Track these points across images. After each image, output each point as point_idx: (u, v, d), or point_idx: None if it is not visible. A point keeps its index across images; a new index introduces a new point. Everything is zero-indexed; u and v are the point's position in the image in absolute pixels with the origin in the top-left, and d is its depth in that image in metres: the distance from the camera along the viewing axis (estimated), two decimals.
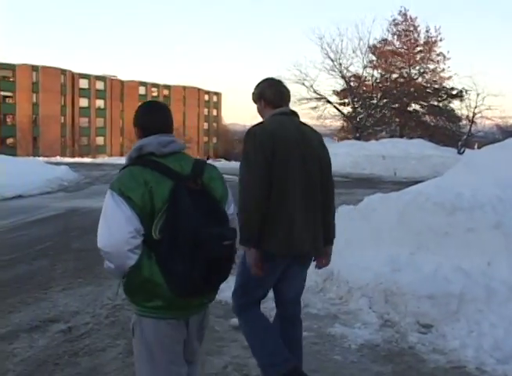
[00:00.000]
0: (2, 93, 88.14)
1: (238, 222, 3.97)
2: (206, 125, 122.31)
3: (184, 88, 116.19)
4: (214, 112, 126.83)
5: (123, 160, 3.85)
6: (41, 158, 46.35)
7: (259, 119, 4.74)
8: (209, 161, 3.54)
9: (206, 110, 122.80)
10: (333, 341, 6.23)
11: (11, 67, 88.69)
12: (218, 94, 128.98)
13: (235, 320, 6.59)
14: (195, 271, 3.05)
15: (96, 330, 6.49)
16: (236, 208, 3.62)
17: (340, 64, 50.50)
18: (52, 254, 10.23)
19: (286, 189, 4.32)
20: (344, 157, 35.31)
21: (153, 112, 3.51)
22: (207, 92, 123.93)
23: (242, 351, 5.86)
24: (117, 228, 3.07)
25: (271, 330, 4.63)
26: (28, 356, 5.69)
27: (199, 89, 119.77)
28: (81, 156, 71.83)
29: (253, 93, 4.79)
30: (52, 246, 11.07)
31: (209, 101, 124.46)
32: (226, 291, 7.81)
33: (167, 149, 3.31)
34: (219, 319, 6.83)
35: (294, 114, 4.70)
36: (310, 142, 4.54)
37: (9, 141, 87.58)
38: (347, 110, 53.06)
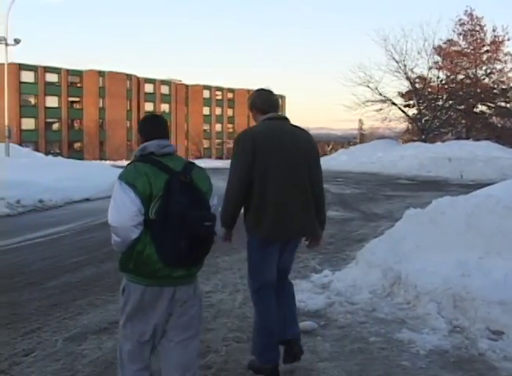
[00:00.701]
0: (70, 99, 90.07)
1: (221, 208, 5.00)
2: None
3: (248, 91, 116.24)
4: None
5: None
6: (107, 162, 47.18)
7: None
8: None
9: None
10: (400, 347, 6.13)
11: (78, 73, 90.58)
12: (282, 97, 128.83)
13: (303, 324, 6.57)
14: (181, 244, 3.87)
15: None
16: (218, 200, 4.40)
17: (405, 66, 49.76)
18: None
19: (269, 183, 5.08)
20: (410, 159, 34.91)
21: (154, 123, 4.45)
22: None
23: (309, 355, 5.81)
24: (123, 208, 3.93)
25: (272, 328, 5.26)
26: (97, 358, 5.76)
27: None
28: None
29: (248, 103, 5.61)
30: None
31: None
32: (297, 294, 7.83)
33: (164, 150, 4.17)
34: None
35: (282, 118, 5.46)
36: (295, 140, 5.26)
37: (77, 145, 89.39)
38: (412, 111, 52.32)
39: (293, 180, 5.16)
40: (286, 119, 5.48)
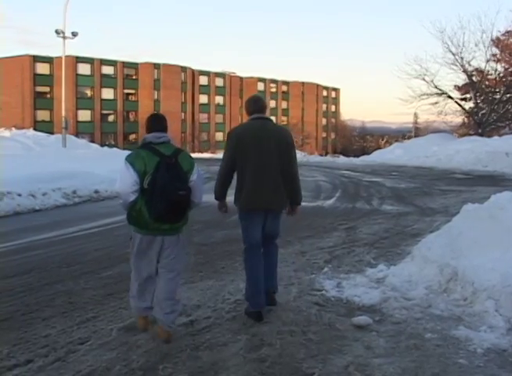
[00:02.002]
0: (126, 91, 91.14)
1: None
2: (324, 121, 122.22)
3: (302, 83, 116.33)
4: (333, 108, 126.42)
5: None
6: None
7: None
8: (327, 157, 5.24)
9: (324, 106, 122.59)
10: (457, 344, 6.02)
11: (134, 66, 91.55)
12: (336, 90, 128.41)
13: (357, 319, 6.53)
14: (162, 206, 5.63)
15: (217, 324, 6.54)
16: (198, 178, 6.02)
17: (462, 58, 49.04)
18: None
19: (246, 167, 6.63)
20: (466, 153, 34.44)
21: (154, 120, 6.10)
22: (326, 88, 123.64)
23: (364, 351, 5.75)
24: (125, 179, 5.72)
25: (257, 280, 6.80)
26: (151, 348, 5.78)
27: (317, 85, 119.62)
28: (201, 151, 73.35)
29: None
30: None
31: (327, 97, 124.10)
32: (348, 289, 7.75)
33: (159, 140, 5.91)
34: (341, 317, 6.74)
35: (264, 118, 6.92)
36: (270, 134, 6.72)
37: (132, 137, 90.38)
38: (468, 105, 51.58)
39: (264, 164, 6.63)
40: (268, 119, 7.03)
